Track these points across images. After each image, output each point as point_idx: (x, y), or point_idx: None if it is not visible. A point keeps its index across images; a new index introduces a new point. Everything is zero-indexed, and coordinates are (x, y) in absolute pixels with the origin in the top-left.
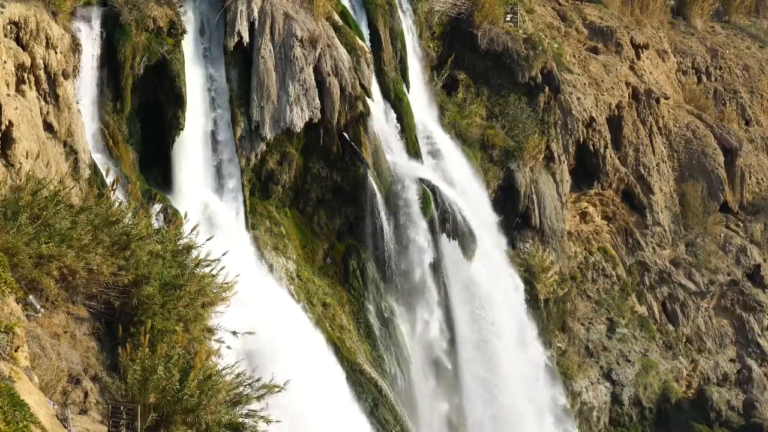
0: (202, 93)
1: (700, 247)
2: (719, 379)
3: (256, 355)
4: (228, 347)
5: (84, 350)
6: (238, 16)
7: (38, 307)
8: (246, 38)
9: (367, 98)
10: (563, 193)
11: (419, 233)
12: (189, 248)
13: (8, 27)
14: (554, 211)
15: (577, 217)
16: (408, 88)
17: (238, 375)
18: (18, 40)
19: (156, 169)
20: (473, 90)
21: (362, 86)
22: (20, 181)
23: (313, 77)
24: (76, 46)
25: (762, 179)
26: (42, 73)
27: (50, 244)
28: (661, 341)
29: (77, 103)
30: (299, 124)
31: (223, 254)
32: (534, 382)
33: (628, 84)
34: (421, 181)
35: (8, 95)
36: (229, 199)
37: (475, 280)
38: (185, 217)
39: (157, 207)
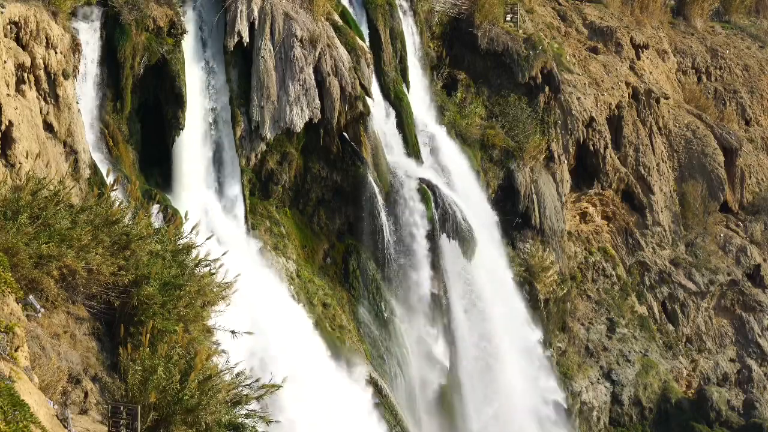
0: (202, 93)
1: (700, 247)
2: (719, 379)
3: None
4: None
5: (84, 350)
6: (238, 16)
7: (38, 307)
8: (246, 38)
9: (367, 98)
10: (563, 193)
11: (419, 233)
12: (189, 248)
13: (8, 27)
14: (554, 211)
15: (577, 217)
16: (408, 88)
17: (237, 375)
18: (18, 40)
19: (156, 169)
20: (473, 90)
21: (362, 86)
22: (20, 181)
23: (313, 77)
24: (76, 46)
25: (762, 179)
26: (42, 73)
27: (50, 244)
28: (661, 341)
29: (77, 103)
30: (299, 124)
31: (223, 254)
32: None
33: (628, 84)
34: (421, 180)
35: (8, 95)
36: (229, 199)
37: (475, 280)
38: (185, 217)
39: (157, 207)
